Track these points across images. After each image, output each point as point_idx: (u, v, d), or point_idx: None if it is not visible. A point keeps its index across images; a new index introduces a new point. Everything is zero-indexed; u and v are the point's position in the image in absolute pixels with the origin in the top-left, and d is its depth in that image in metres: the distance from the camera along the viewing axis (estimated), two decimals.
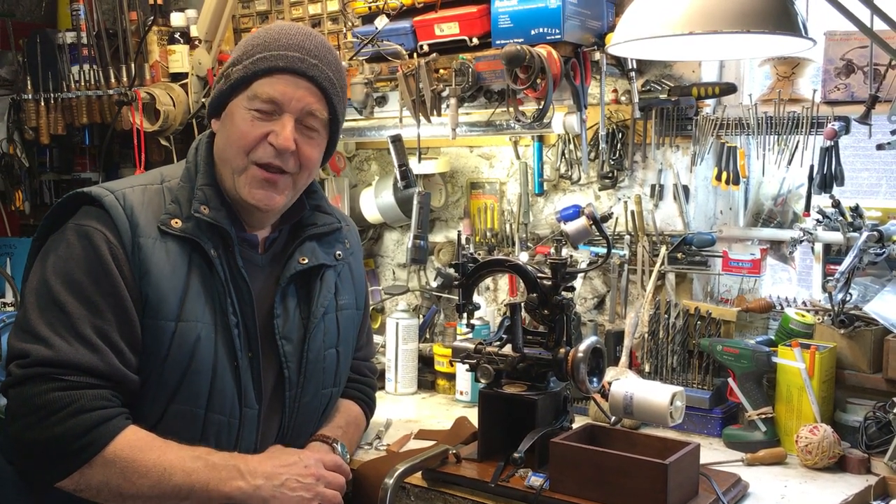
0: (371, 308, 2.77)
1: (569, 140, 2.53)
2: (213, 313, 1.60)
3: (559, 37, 2.07)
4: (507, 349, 1.88)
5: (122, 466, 1.47)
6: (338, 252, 1.82)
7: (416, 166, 2.55)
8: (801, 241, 2.25)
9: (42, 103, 3.06)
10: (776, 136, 2.22)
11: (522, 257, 2.49)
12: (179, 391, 1.57)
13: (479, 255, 2.04)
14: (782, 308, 2.26)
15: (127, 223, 1.56)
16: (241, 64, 1.62)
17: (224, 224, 1.62)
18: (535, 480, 1.71)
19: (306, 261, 1.74)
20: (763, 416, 2.03)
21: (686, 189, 2.40)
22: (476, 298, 2.02)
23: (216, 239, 1.63)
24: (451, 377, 2.50)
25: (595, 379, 1.84)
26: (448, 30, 2.20)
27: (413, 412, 2.37)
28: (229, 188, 1.66)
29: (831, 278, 2.03)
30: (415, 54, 2.28)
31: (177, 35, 2.91)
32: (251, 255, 1.70)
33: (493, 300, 2.75)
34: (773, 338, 2.19)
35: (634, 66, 2.29)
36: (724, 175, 2.32)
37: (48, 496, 1.53)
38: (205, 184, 1.64)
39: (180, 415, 1.58)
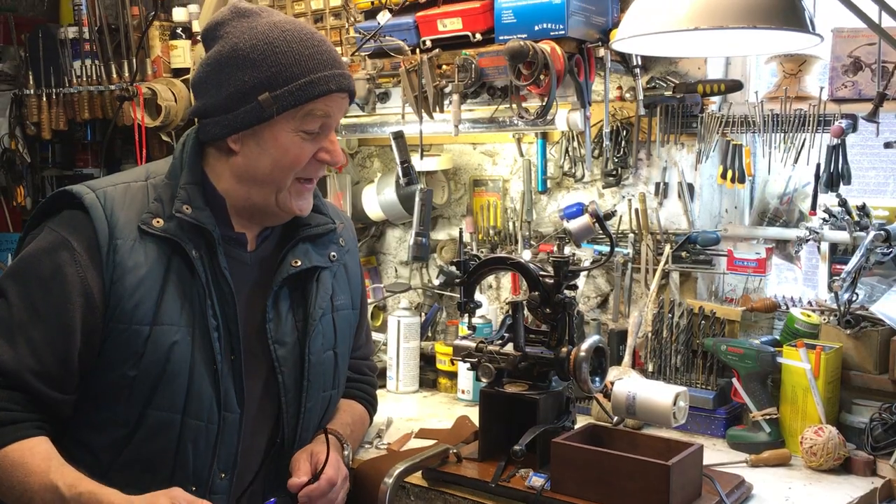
0: (373, 306, 2.76)
1: (573, 137, 2.52)
2: (190, 316, 1.57)
3: (563, 32, 2.05)
4: (509, 348, 1.87)
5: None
6: (332, 253, 1.78)
7: (419, 163, 2.54)
8: (807, 241, 2.23)
9: (44, 98, 3.05)
10: (782, 134, 2.20)
11: (525, 255, 2.48)
12: (155, 396, 1.54)
13: (482, 252, 2.02)
14: (787, 308, 2.24)
15: (105, 223, 1.54)
16: (282, 89, 1.54)
17: (207, 224, 1.59)
18: (536, 481, 1.70)
19: (299, 263, 1.70)
20: (767, 417, 2.01)
21: (691, 187, 2.38)
22: (479, 297, 2.01)
23: (198, 239, 1.59)
24: (453, 376, 2.49)
25: (597, 378, 1.82)
26: (451, 25, 2.19)
27: (414, 411, 2.35)
28: (262, 203, 1.63)
29: (837, 278, 2.02)
30: (417, 50, 2.26)
31: (178, 30, 2.90)
32: (238, 253, 1.67)
33: (496, 298, 2.74)
34: (778, 338, 2.18)
35: (639, 63, 2.27)
36: (730, 173, 2.30)
37: None
38: (188, 182, 1.60)
39: (157, 420, 1.55)
